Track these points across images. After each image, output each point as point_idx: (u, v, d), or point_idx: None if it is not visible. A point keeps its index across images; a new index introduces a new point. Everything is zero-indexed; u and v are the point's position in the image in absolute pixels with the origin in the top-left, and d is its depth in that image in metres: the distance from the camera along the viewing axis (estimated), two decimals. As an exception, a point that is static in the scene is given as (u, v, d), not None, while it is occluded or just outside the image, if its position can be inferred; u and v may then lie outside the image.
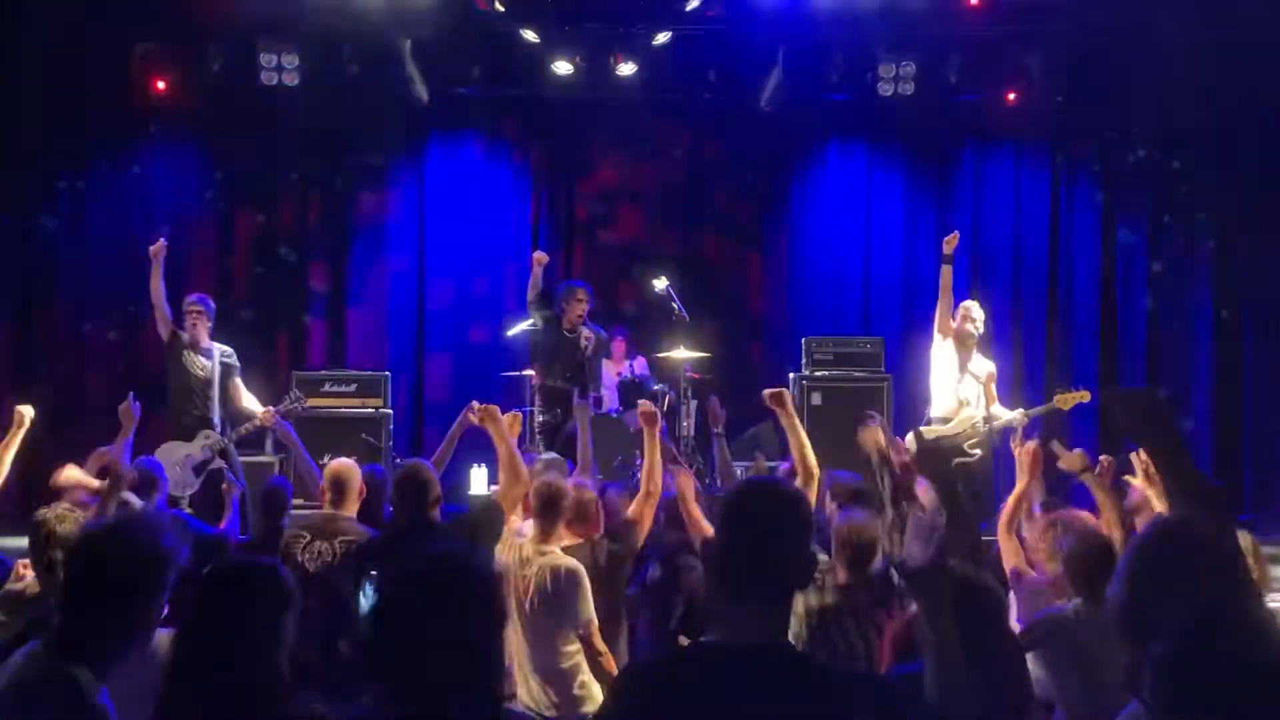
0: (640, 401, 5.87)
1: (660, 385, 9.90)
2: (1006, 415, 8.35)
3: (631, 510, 5.47)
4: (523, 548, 5.08)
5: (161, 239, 8.76)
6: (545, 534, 5.11)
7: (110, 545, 2.84)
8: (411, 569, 2.43)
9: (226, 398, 8.62)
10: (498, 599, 2.44)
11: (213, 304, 8.77)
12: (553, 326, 9.34)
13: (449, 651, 2.29)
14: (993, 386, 8.60)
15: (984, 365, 8.57)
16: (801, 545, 2.56)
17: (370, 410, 9.77)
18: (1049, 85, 10.77)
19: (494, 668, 2.40)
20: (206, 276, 10.94)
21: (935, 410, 8.63)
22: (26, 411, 5.68)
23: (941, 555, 3.42)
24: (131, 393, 5.77)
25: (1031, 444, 5.40)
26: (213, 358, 8.60)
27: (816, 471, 5.25)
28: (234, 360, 8.75)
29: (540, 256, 9.39)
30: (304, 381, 9.77)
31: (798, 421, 5.45)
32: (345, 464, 5.70)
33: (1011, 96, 10.88)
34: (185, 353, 8.58)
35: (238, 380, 8.69)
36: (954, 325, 8.55)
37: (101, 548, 2.85)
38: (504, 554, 5.07)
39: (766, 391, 5.58)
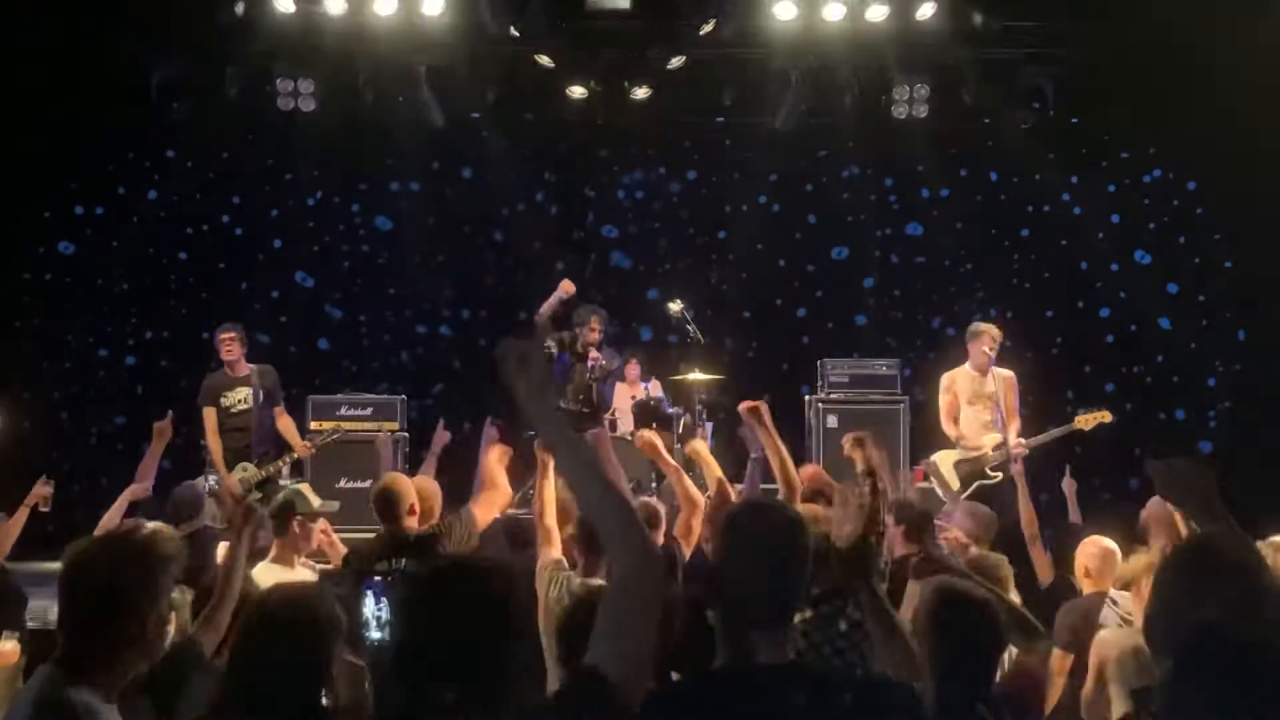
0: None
1: (675, 408, 9.90)
2: (1024, 440, 8.32)
3: (677, 528, 5.42)
4: (569, 580, 4.84)
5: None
6: (592, 567, 4.89)
7: (98, 565, 2.85)
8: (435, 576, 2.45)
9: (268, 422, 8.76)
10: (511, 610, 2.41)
11: (242, 329, 8.92)
12: (566, 350, 9.38)
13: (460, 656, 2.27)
14: (1013, 396, 8.55)
15: (996, 380, 8.51)
16: (803, 568, 2.59)
17: (385, 434, 9.77)
18: (1063, 106, 10.77)
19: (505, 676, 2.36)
20: (222, 300, 11.01)
21: (954, 438, 8.65)
22: (46, 492, 6.10)
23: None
24: (171, 411, 5.88)
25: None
26: (251, 383, 8.70)
27: (799, 487, 5.07)
28: (274, 383, 8.84)
29: (568, 285, 9.37)
30: (320, 405, 9.79)
31: (776, 436, 5.11)
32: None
33: (1025, 117, 10.87)
34: (223, 395, 8.69)
35: (278, 408, 8.82)
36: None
37: (91, 568, 2.86)
38: (549, 588, 4.86)
39: (743, 405, 5.23)
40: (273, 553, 5.29)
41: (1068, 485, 7.41)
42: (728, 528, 2.69)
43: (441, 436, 6.91)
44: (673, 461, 5.47)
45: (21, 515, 6.30)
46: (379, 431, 9.11)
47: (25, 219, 11.09)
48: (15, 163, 10.59)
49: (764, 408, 5.20)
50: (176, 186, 11.43)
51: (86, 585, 2.82)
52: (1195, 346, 11.57)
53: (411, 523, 5.45)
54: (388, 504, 5.45)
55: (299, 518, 5.35)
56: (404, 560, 5.25)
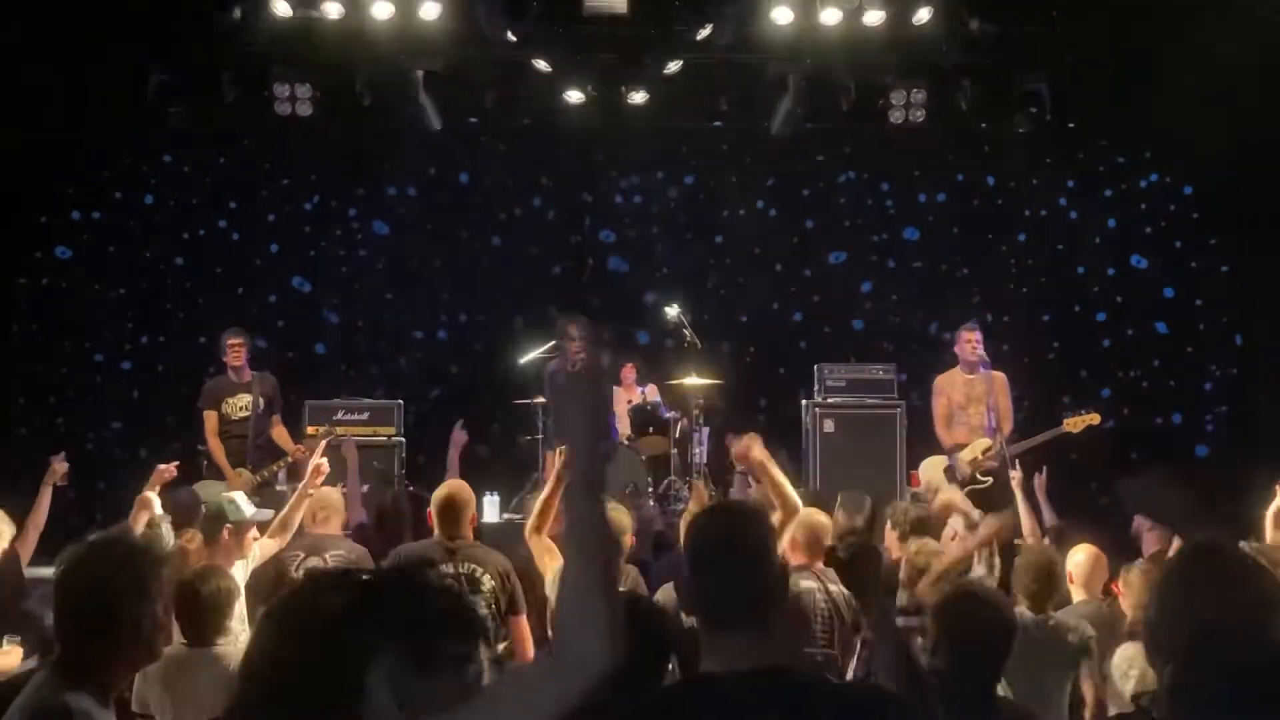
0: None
1: (672, 413, 9.90)
2: (1013, 445, 8.31)
3: None
4: None
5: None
6: None
7: (93, 570, 2.85)
8: None
9: (266, 430, 8.78)
10: None
11: (248, 335, 8.98)
12: (562, 356, 9.42)
13: None
14: (1005, 398, 8.55)
15: (988, 382, 8.50)
16: (768, 562, 2.60)
17: (383, 438, 9.77)
18: (1060, 111, 10.77)
19: None
20: (219, 305, 11.01)
21: (948, 442, 8.67)
22: (62, 469, 6.20)
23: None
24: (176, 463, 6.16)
25: None
26: (252, 390, 8.71)
27: (799, 507, 4.78)
28: (274, 391, 8.86)
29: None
30: (317, 410, 9.78)
31: (773, 469, 4.73)
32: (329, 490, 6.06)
33: (1022, 122, 10.87)
34: (225, 400, 8.69)
35: (276, 415, 8.83)
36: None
37: (85, 573, 2.86)
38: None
39: (734, 448, 4.92)
40: (202, 562, 5.20)
41: (1039, 484, 7.45)
42: (689, 531, 2.73)
43: (459, 439, 6.93)
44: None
45: (45, 495, 6.39)
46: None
47: (22, 224, 11.08)
48: (12, 168, 10.57)
49: (754, 445, 4.77)
50: (173, 191, 11.43)
51: (82, 590, 2.83)
52: (1192, 351, 11.57)
53: (469, 533, 5.46)
54: (451, 511, 5.42)
55: (229, 526, 5.29)
56: (468, 564, 5.26)
